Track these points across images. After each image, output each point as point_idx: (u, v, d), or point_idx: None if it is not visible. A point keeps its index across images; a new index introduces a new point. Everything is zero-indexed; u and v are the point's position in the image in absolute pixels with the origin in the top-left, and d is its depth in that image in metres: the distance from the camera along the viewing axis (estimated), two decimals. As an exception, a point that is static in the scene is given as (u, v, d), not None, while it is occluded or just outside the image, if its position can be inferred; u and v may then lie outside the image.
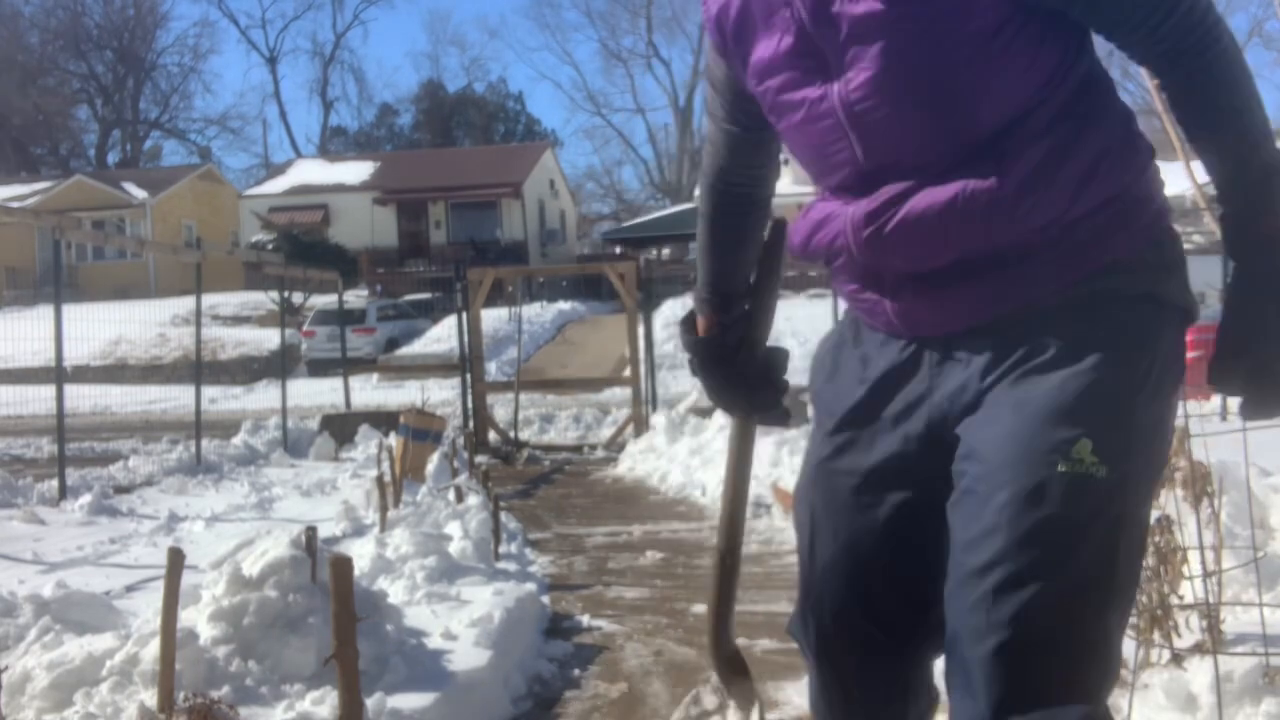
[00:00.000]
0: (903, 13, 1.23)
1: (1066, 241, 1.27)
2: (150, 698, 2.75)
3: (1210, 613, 2.68)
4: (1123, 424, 1.22)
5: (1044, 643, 1.18)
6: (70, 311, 8.43)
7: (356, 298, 27.00)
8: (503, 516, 5.70)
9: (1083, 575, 1.19)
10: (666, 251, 39.16)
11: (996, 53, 1.24)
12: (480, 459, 9.90)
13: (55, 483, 7.76)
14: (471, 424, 11.43)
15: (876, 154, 1.32)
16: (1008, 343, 1.28)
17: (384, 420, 11.13)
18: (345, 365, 14.48)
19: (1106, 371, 1.23)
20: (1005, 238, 1.27)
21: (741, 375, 1.58)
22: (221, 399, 18.69)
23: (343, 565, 2.36)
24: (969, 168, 1.26)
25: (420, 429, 8.21)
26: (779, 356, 1.61)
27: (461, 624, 3.73)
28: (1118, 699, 2.68)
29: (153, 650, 2.84)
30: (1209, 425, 3.43)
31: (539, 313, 25.05)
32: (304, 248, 26.69)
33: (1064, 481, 1.19)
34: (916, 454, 1.37)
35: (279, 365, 15.90)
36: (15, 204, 25.19)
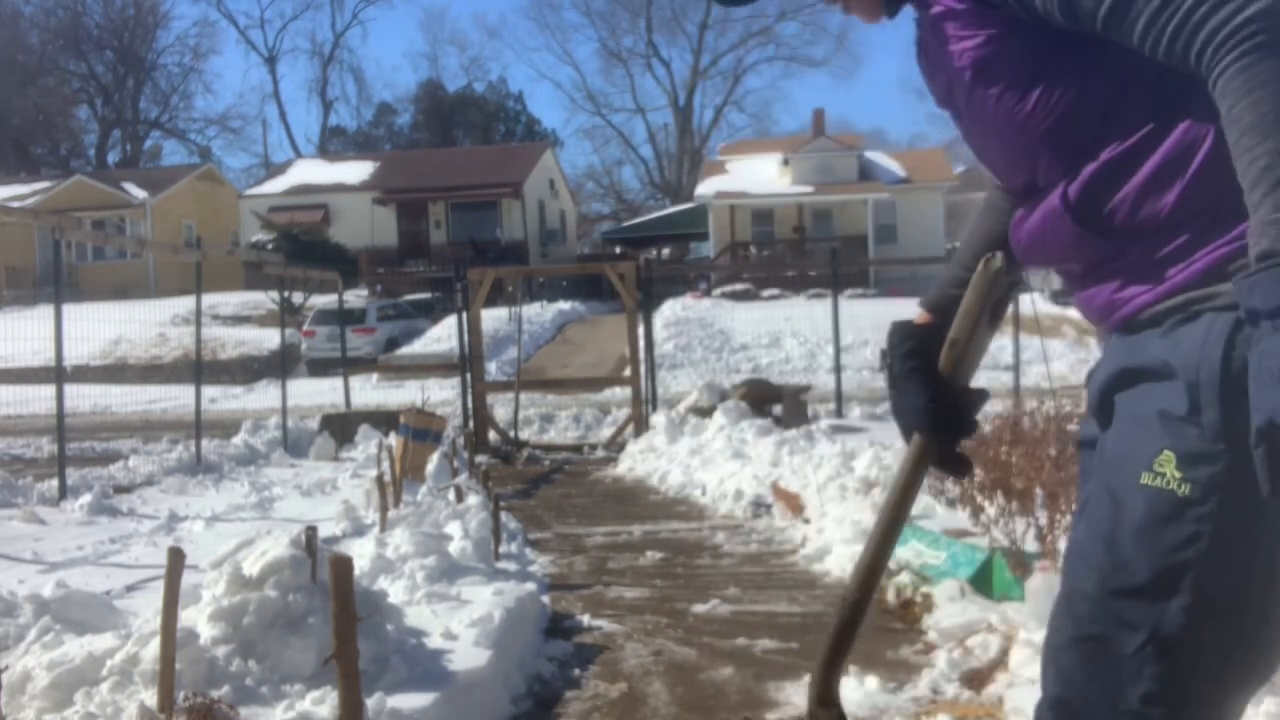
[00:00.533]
0: (949, 84, 1.40)
1: (1163, 246, 1.24)
2: (150, 697, 2.75)
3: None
4: (1214, 437, 1.16)
5: (1086, 648, 1.24)
6: (70, 311, 8.43)
7: (356, 298, 27.00)
8: (503, 516, 5.69)
9: (1135, 587, 1.20)
10: (666, 251, 39.18)
11: (1035, 90, 1.30)
12: (480, 459, 9.90)
13: (55, 483, 7.76)
14: (471, 424, 11.43)
15: (1002, 180, 1.50)
16: (1135, 347, 1.28)
17: (384, 420, 11.14)
18: (345, 365, 14.48)
19: (1202, 380, 1.18)
20: (1095, 251, 1.30)
21: (931, 388, 1.44)
22: (221, 399, 18.69)
23: (343, 565, 2.36)
24: (1053, 185, 1.34)
25: (420, 429, 8.21)
26: (976, 397, 1.48)
27: (461, 624, 3.73)
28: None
29: (153, 650, 2.84)
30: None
31: (539, 313, 25.06)
32: (304, 248, 26.69)
33: (1143, 494, 1.20)
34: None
35: (279, 365, 15.91)
36: (15, 204, 25.21)
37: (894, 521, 1.45)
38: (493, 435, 11.41)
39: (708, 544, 6.07)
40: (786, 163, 33.44)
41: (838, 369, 12.11)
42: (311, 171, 39.13)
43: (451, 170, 37.16)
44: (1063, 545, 3.79)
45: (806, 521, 6.13)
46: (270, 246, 25.22)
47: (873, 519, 5.24)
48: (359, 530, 6.07)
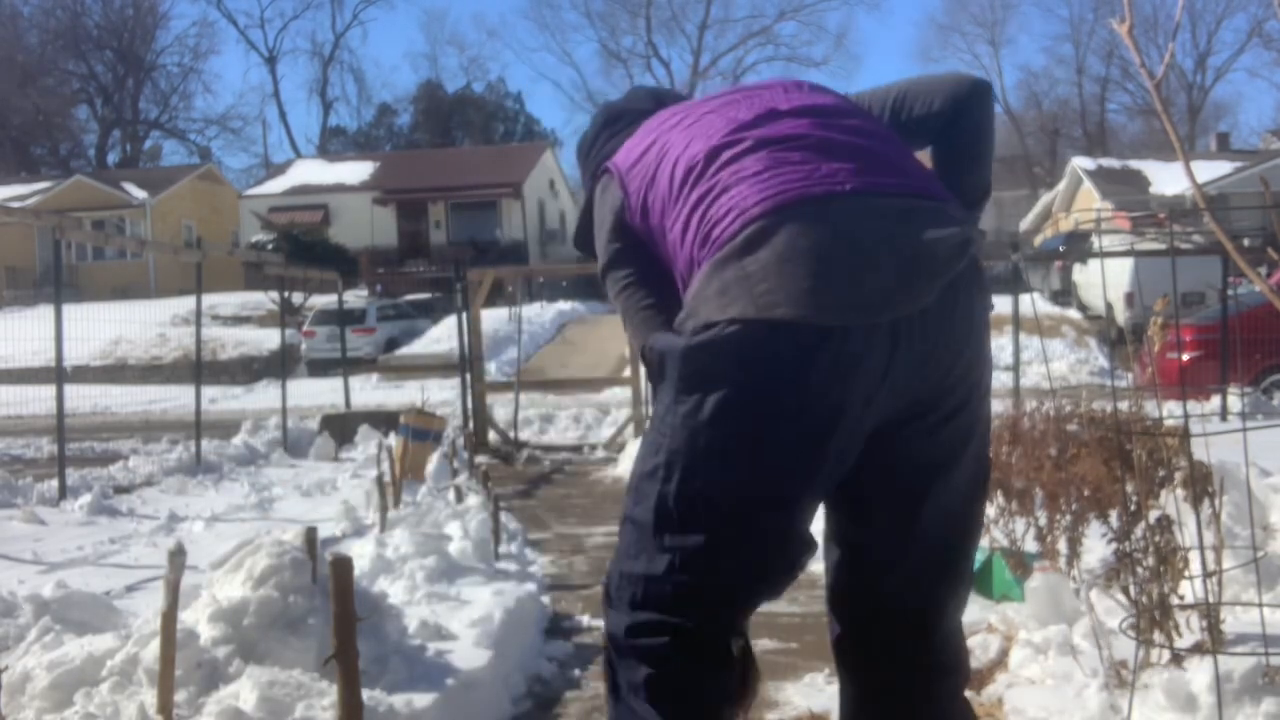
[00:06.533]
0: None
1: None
2: (150, 698, 2.75)
3: (1210, 613, 2.68)
4: None
5: None
6: (70, 311, 8.42)
7: (356, 298, 26.97)
8: (503, 516, 5.69)
9: None
10: (666, 251, 39.04)
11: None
12: (480, 459, 9.89)
13: (55, 483, 7.75)
14: (471, 424, 11.42)
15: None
16: None
17: (384, 420, 11.12)
18: (345, 365, 14.46)
19: None
20: None
21: None
22: (221, 399, 18.67)
23: (343, 565, 2.37)
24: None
25: (420, 429, 8.20)
26: None
27: (461, 624, 3.73)
28: (1118, 699, 2.67)
29: (153, 650, 2.84)
30: (1209, 425, 3.43)
31: (539, 313, 25.03)
32: (304, 248, 26.65)
33: None
34: None
35: (279, 365, 15.91)
36: (15, 204, 25.19)
37: None
38: (493, 435, 11.41)
39: (708, 544, 6.06)
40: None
41: (838, 369, 12.06)
42: (311, 172, 39.12)
43: (451, 170, 37.15)
44: (1063, 545, 3.79)
45: (806, 521, 6.12)
46: (270, 247, 25.22)
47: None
48: (359, 530, 6.06)
